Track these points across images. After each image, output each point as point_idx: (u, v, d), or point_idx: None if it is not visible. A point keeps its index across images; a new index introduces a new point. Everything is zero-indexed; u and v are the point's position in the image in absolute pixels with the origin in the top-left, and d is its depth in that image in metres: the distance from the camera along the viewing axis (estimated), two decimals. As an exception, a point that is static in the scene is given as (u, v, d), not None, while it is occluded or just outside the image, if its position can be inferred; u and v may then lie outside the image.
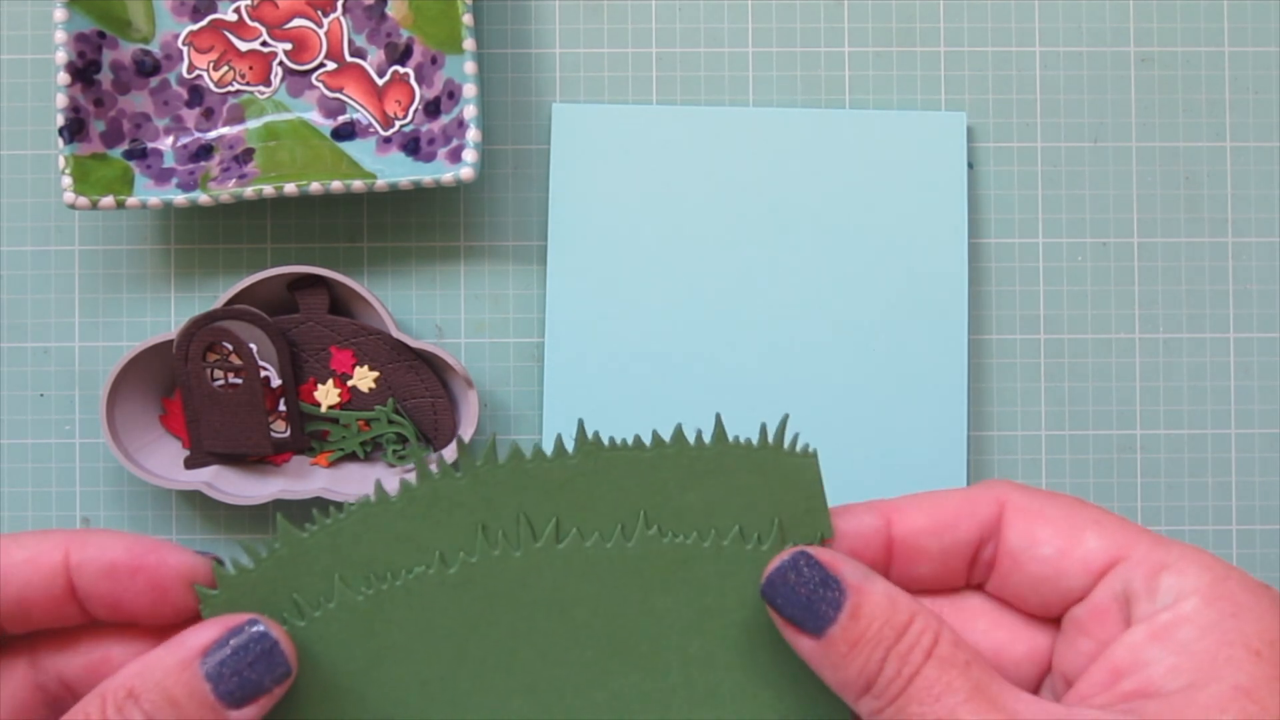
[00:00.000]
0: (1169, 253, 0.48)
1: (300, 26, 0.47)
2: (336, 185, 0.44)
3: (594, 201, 0.47)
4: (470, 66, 0.44)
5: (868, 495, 0.46)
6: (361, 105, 0.46)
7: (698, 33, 0.48)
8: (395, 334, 0.45)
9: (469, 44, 0.44)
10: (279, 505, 0.47)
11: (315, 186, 0.44)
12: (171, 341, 0.44)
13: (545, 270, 0.47)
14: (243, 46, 0.46)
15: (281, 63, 0.47)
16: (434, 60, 0.45)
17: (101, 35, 0.45)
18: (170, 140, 0.46)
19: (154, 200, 0.44)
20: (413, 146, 0.45)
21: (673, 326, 0.46)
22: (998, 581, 0.28)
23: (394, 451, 0.45)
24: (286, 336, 0.45)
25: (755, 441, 0.28)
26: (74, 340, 0.47)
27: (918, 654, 0.25)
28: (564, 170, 0.47)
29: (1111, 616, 0.26)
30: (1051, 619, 0.28)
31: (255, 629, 0.26)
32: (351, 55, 0.47)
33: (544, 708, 0.28)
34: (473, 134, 0.44)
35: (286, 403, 0.45)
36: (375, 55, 0.46)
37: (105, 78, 0.45)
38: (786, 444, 0.29)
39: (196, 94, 0.46)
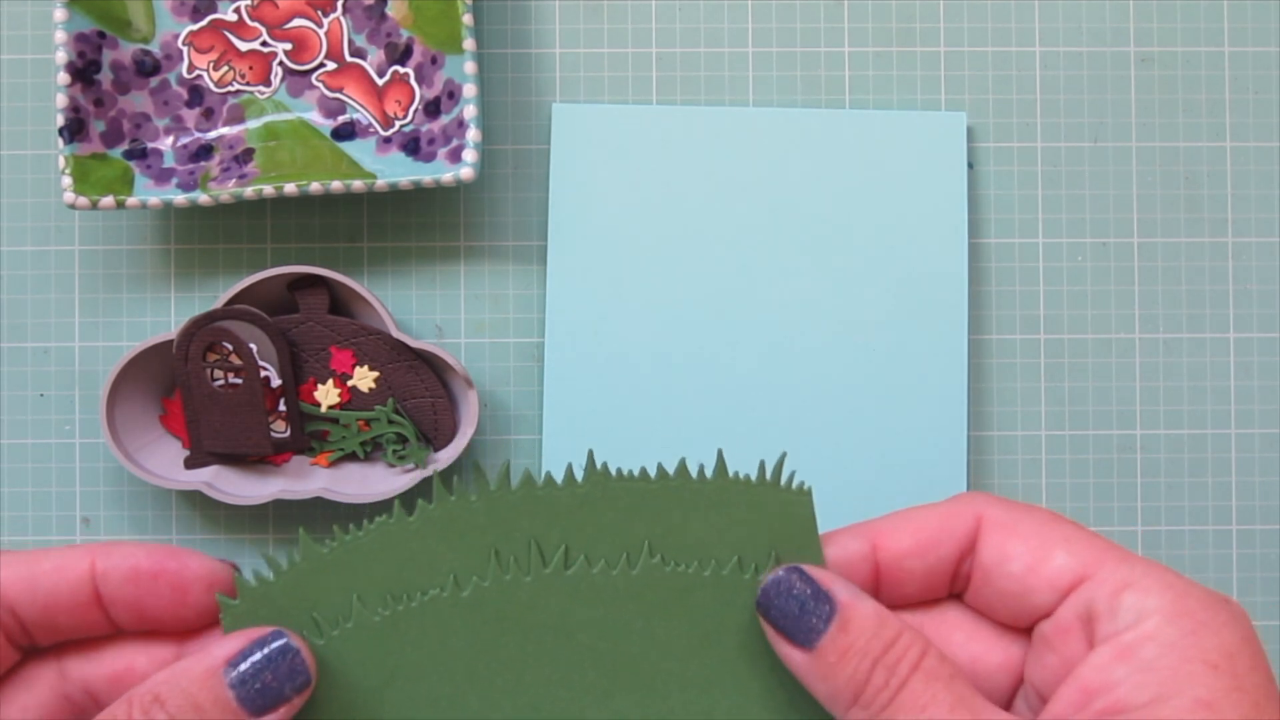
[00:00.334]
0: (1169, 253, 0.48)
1: (300, 26, 0.47)
2: (336, 185, 0.44)
3: (594, 201, 0.47)
4: (470, 66, 0.44)
5: (868, 495, 0.46)
6: (361, 105, 0.46)
7: (698, 33, 0.48)
8: (395, 334, 0.45)
9: (469, 44, 0.44)
10: (279, 505, 0.47)
11: (315, 186, 0.44)
12: (171, 341, 0.44)
13: (545, 270, 0.47)
14: (243, 46, 0.46)
15: (281, 63, 0.47)
16: (434, 60, 0.45)
17: (101, 35, 0.45)
18: (170, 140, 0.46)
19: (154, 200, 0.44)
20: (413, 146, 0.45)
21: (673, 326, 0.46)
22: (973, 594, 0.30)
23: (394, 451, 0.45)
24: (286, 336, 0.45)
25: (754, 477, 0.30)
26: (74, 340, 0.47)
27: (905, 666, 0.27)
28: (564, 170, 0.47)
29: (1075, 634, 0.27)
30: (1024, 630, 0.29)
31: (279, 640, 0.27)
32: (351, 55, 0.47)
33: None
34: (473, 134, 0.44)
35: (286, 403, 0.45)
36: (375, 55, 0.46)
37: (105, 78, 0.45)
38: (784, 481, 0.30)
39: (196, 94, 0.46)
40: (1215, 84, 0.48)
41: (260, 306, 0.45)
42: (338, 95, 0.47)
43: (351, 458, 0.46)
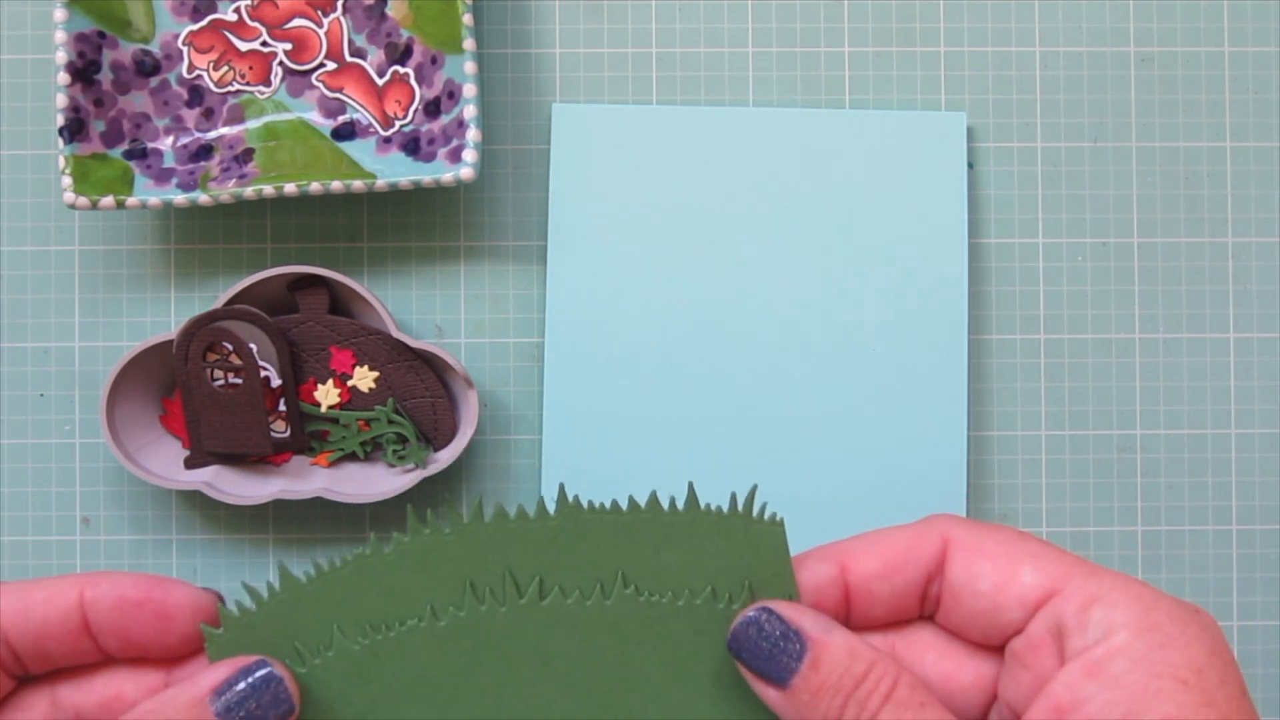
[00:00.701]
0: (1169, 253, 0.48)
1: (300, 26, 0.47)
2: (336, 185, 0.44)
3: (594, 201, 0.47)
4: (470, 66, 0.44)
5: (868, 495, 0.46)
6: (361, 105, 0.46)
7: (698, 33, 0.48)
8: (395, 334, 0.45)
9: (469, 44, 0.44)
10: (279, 505, 0.47)
11: (315, 186, 0.44)
12: (171, 341, 0.44)
13: (545, 270, 0.47)
14: (243, 46, 0.46)
15: (281, 63, 0.47)
16: (434, 60, 0.45)
17: (101, 35, 0.45)
18: (170, 140, 0.46)
19: (154, 200, 0.44)
20: (413, 146, 0.45)
21: (673, 326, 0.46)
22: (943, 615, 0.30)
23: (394, 451, 0.45)
24: (286, 336, 0.45)
25: (725, 509, 0.30)
26: (74, 340, 0.47)
27: (875, 699, 0.27)
28: (564, 170, 0.47)
29: (1046, 650, 0.28)
30: (995, 648, 0.29)
31: (263, 669, 0.28)
32: (351, 55, 0.47)
33: None
34: (473, 134, 0.44)
35: (286, 403, 0.45)
36: (375, 55, 0.46)
37: (105, 78, 0.45)
38: (755, 512, 0.30)
39: (196, 94, 0.46)
40: (1215, 84, 0.48)
41: (260, 306, 0.45)
42: (338, 95, 0.47)
43: (351, 458, 0.46)
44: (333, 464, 0.46)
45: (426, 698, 0.30)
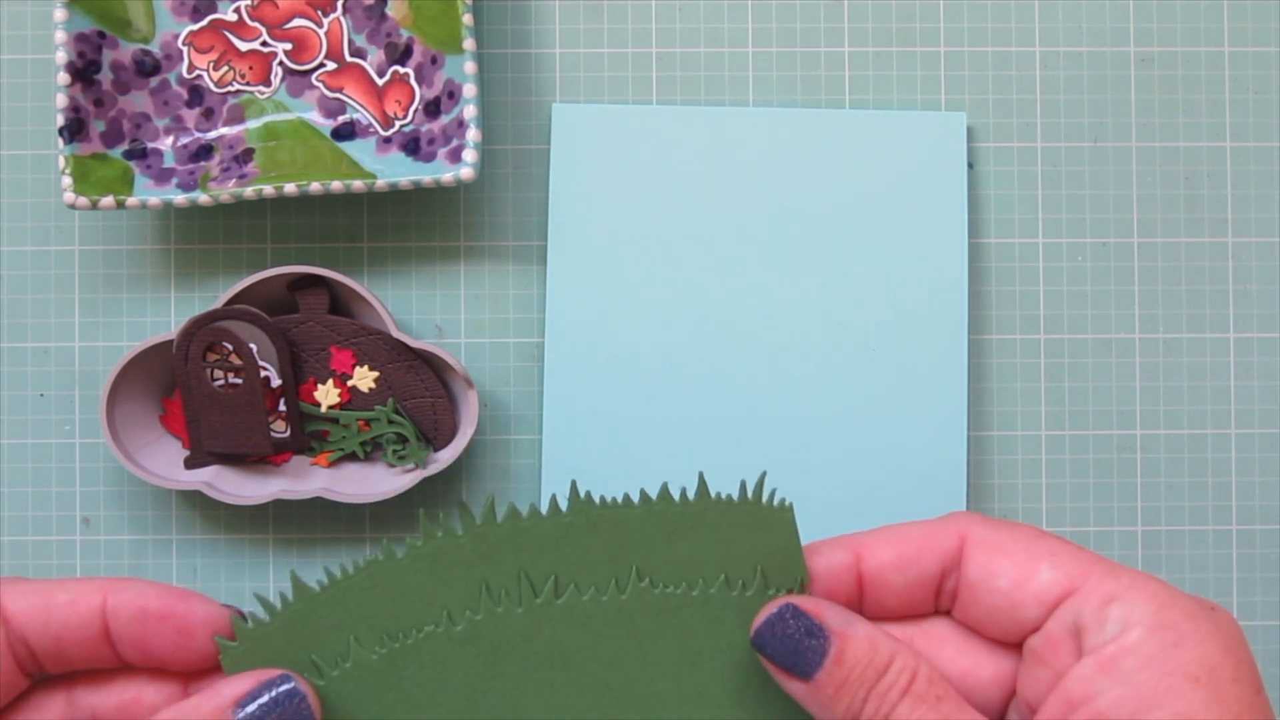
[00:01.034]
0: (1169, 253, 0.48)
1: (300, 26, 0.47)
2: (336, 185, 0.44)
3: (594, 201, 0.47)
4: (470, 66, 0.44)
5: (868, 495, 0.46)
6: (361, 105, 0.46)
7: (698, 33, 0.48)
8: (395, 334, 0.45)
9: (469, 44, 0.44)
10: (279, 505, 0.47)
11: (315, 186, 0.44)
12: (171, 341, 0.44)
13: (545, 270, 0.47)
14: (243, 46, 0.46)
15: (281, 63, 0.47)
16: (434, 60, 0.45)
17: (101, 35, 0.45)
18: (170, 140, 0.46)
19: (154, 200, 0.44)
20: (413, 146, 0.45)
21: (673, 326, 0.46)
22: (961, 611, 0.30)
23: (394, 451, 0.45)
24: (286, 336, 0.45)
25: (735, 497, 0.30)
26: (74, 340, 0.47)
27: (894, 693, 0.27)
28: (564, 170, 0.47)
29: (1065, 647, 0.28)
30: (1014, 645, 0.30)
31: (287, 684, 0.28)
32: (351, 55, 0.47)
33: None
34: (473, 134, 0.44)
35: (286, 403, 0.45)
36: (375, 55, 0.46)
37: (105, 78, 0.45)
38: (765, 499, 0.30)
39: (196, 94, 0.46)
40: (1215, 84, 0.48)
41: (260, 306, 0.45)
42: (338, 95, 0.47)
43: (351, 458, 0.46)
44: (333, 464, 0.46)
45: (446, 703, 0.30)
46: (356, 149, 0.46)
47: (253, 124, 0.46)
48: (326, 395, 0.45)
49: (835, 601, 0.30)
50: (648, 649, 0.30)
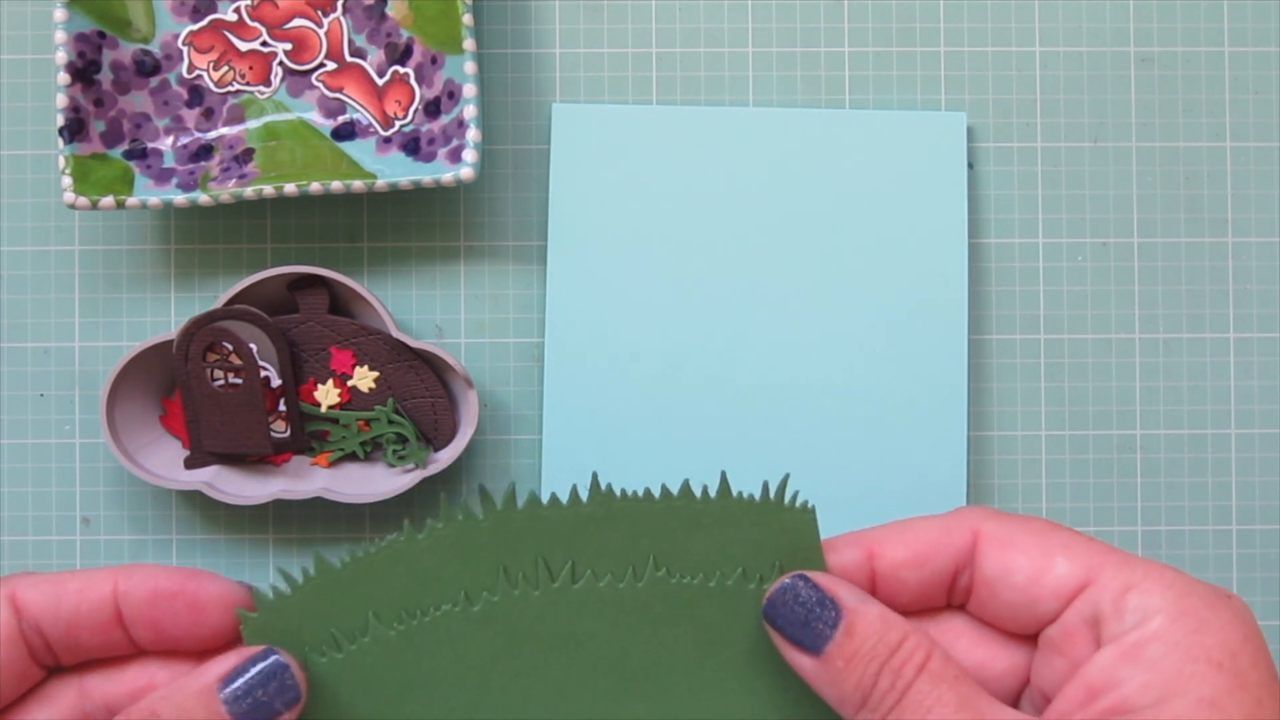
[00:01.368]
0: (1169, 253, 0.48)
1: (300, 26, 0.47)
2: (336, 185, 0.44)
3: (594, 201, 0.47)
4: (470, 66, 0.44)
5: (868, 495, 0.46)
6: (361, 105, 0.46)
7: (698, 33, 0.48)
8: (395, 334, 0.45)
9: (469, 44, 0.44)
10: (279, 505, 0.47)
11: (315, 186, 0.44)
12: (171, 341, 0.44)
13: (545, 270, 0.47)
14: (243, 46, 0.46)
15: (281, 63, 0.47)
16: (434, 60, 0.45)
17: (101, 35, 0.45)
18: (170, 140, 0.46)
19: (154, 200, 0.44)
20: (413, 146, 0.45)
21: (673, 326, 0.46)
22: (976, 605, 0.30)
23: (394, 451, 0.45)
24: (286, 336, 0.45)
25: (757, 496, 0.31)
26: (74, 340, 0.47)
27: (910, 669, 0.27)
28: (564, 170, 0.47)
29: (1082, 637, 0.28)
30: (1029, 637, 0.30)
31: (270, 658, 0.28)
32: (351, 55, 0.47)
33: None
34: (473, 134, 0.44)
35: (286, 403, 0.45)
36: (375, 55, 0.46)
37: (105, 78, 0.45)
38: (787, 500, 0.31)
39: (196, 94, 0.46)
40: (1215, 84, 0.48)
41: (260, 306, 0.45)
42: (338, 95, 0.47)
43: (351, 458, 0.46)
44: (333, 464, 0.46)
45: (462, 681, 0.30)
46: (356, 149, 0.46)
47: (253, 124, 0.46)
48: (326, 395, 0.45)
49: None
50: (662, 637, 0.30)
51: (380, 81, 0.46)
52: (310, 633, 0.30)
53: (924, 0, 0.48)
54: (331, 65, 0.47)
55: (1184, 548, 0.48)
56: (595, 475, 0.30)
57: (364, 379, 0.45)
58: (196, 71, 0.46)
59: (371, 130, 0.46)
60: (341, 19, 0.46)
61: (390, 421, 0.45)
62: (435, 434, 0.46)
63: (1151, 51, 0.48)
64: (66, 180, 0.44)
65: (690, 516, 0.30)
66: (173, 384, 0.46)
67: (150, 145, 0.46)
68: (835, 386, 0.46)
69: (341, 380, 0.46)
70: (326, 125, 0.46)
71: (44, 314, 0.47)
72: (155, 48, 0.46)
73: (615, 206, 0.47)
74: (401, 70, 0.46)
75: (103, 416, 0.44)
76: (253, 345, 0.45)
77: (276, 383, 0.45)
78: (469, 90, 0.44)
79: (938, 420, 0.46)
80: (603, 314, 0.46)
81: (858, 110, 0.48)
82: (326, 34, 0.47)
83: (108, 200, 0.44)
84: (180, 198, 0.44)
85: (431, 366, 0.46)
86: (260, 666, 0.28)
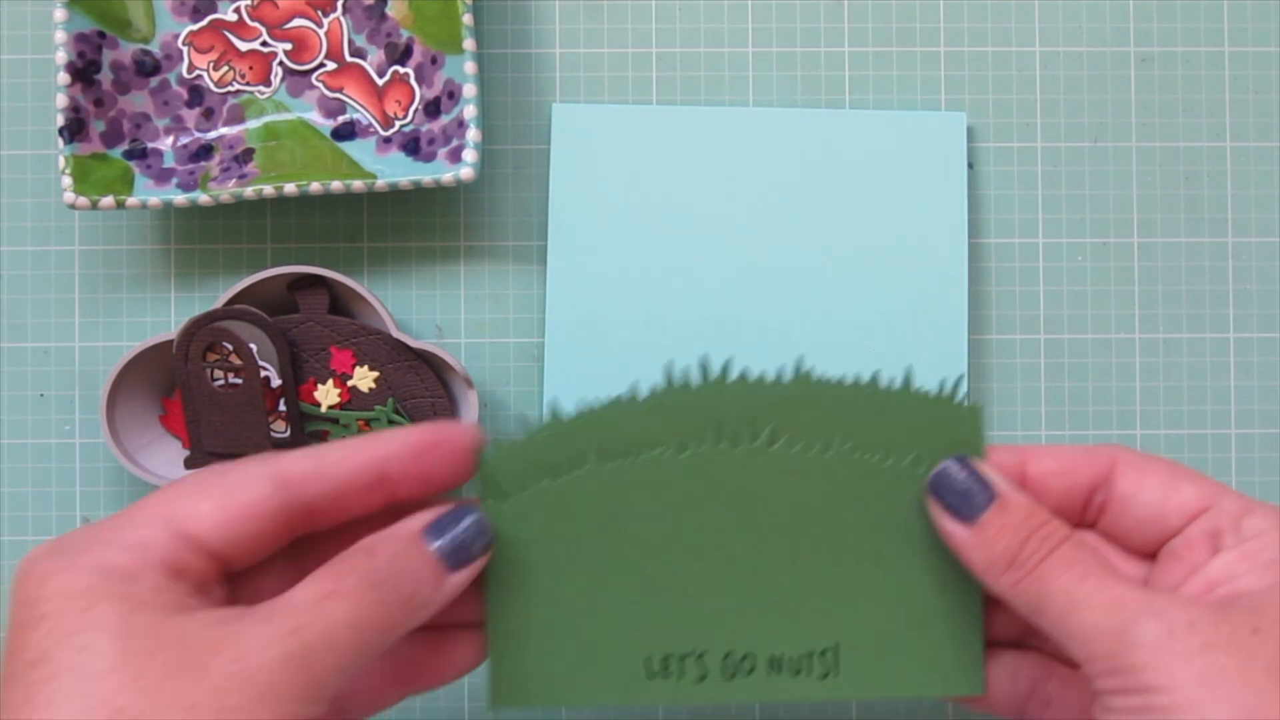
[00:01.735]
0: (1169, 253, 0.48)
1: (300, 26, 0.47)
2: (336, 185, 0.44)
3: (594, 201, 0.47)
4: (470, 66, 0.44)
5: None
6: (361, 105, 0.46)
7: (698, 33, 0.48)
8: (395, 334, 0.45)
9: (469, 44, 0.44)
10: (279, 505, 0.47)
11: (315, 186, 0.44)
12: (171, 341, 0.44)
13: (545, 270, 0.47)
14: (243, 46, 0.47)
15: (281, 63, 0.47)
16: (434, 60, 0.45)
17: (101, 35, 0.45)
18: (170, 140, 0.46)
19: (154, 200, 0.44)
20: (413, 146, 0.45)
21: (673, 326, 0.46)
22: (1108, 521, 0.34)
23: (394, 451, 0.45)
24: (286, 336, 0.45)
25: (933, 393, 0.34)
26: (74, 340, 0.47)
27: (1056, 537, 0.31)
28: (564, 170, 0.47)
29: (1201, 547, 0.32)
30: (1149, 555, 0.33)
31: (470, 511, 0.32)
32: (351, 55, 0.47)
33: (740, 577, 0.34)
34: (473, 134, 0.44)
35: (286, 403, 0.45)
36: (375, 55, 0.46)
37: (105, 78, 0.45)
38: (959, 399, 0.34)
39: (196, 94, 0.46)
40: (1215, 84, 0.48)
41: (260, 306, 0.45)
42: (338, 95, 0.47)
43: (351, 458, 0.46)
44: (333, 464, 0.46)
45: (661, 520, 0.34)
46: (356, 149, 0.46)
47: (253, 124, 0.46)
48: (326, 395, 0.45)
49: None
50: (840, 504, 0.34)
51: (380, 81, 0.46)
52: (537, 469, 0.33)
53: (924, 0, 0.48)
54: (331, 65, 0.47)
55: (1184, 548, 0.48)
56: (800, 358, 0.34)
57: (364, 379, 0.45)
58: (196, 71, 0.46)
59: (371, 130, 0.46)
60: (341, 19, 0.46)
61: (390, 421, 0.45)
62: (435, 434, 0.46)
63: (1151, 51, 0.48)
64: (66, 180, 0.44)
65: (876, 402, 0.34)
66: (173, 384, 0.46)
67: (150, 145, 0.46)
68: (835, 386, 0.46)
69: (341, 380, 0.46)
70: (326, 125, 0.46)
71: (44, 314, 0.47)
72: (155, 48, 0.46)
73: (615, 206, 0.47)
74: (401, 70, 0.46)
75: (103, 416, 0.44)
76: (253, 345, 0.45)
77: (276, 383, 0.45)
78: (469, 90, 0.44)
79: (938, 420, 0.46)
80: (603, 314, 0.46)
81: (858, 110, 0.48)
82: (326, 34, 0.47)
83: (108, 200, 0.44)
84: (180, 198, 0.44)
85: (431, 366, 0.46)
86: (459, 516, 0.32)
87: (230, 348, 0.44)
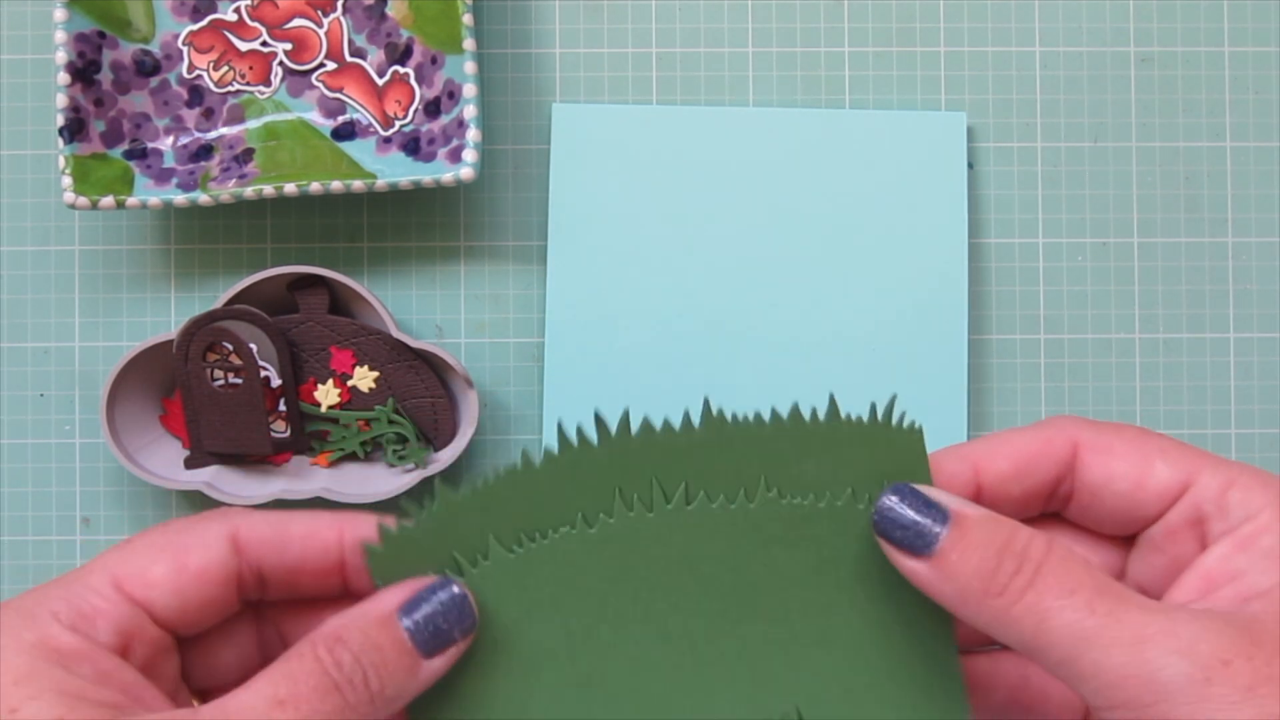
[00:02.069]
0: (1169, 253, 0.48)
1: (300, 26, 0.47)
2: (336, 185, 0.44)
3: (594, 201, 0.47)
4: (470, 66, 0.44)
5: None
6: (361, 105, 0.46)
7: (698, 33, 0.48)
8: (395, 334, 0.45)
9: (469, 44, 0.44)
10: (279, 505, 0.47)
11: (315, 186, 0.44)
12: (171, 341, 0.44)
13: (545, 270, 0.47)
14: (243, 46, 0.46)
15: (281, 63, 0.47)
16: (434, 60, 0.45)
17: (101, 35, 0.45)
18: (170, 140, 0.46)
19: (154, 200, 0.44)
20: (413, 146, 0.45)
21: (672, 326, 0.46)
22: (1076, 510, 0.31)
23: (394, 451, 0.45)
24: (286, 336, 0.45)
25: (865, 418, 0.31)
26: (74, 340, 0.47)
27: (1036, 551, 0.27)
28: (564, 170, 0.47)
29: (1184, 535, 0.29)
30: (1123, 539, 0.31)
31: (449, 587, 0.29)
32: (351, 55, 0.47)
33: (679, 654, 0.31)
34: (473, 134, 0.44)
35: (286, 403, 0.45)
36: (375, 55, 0.46)
37: (105, 78, 0.45)
38: (894, 421, 0.31)
39: (196, 94, 0.46)
40: (1215, 84, 0.48)
41: (260, 306, 0.45)
42: (338, 95, 0.47)
43: (351, 458, 0.46)
44: (333, 464, 0.46)
45: (579, 602, 0.31)
46: (356, 149, 0.46)
47: (253, 124, 0.46)
48: (326, 395, 0.45)
49: None
50: (775, 557, 0.31)
51: (380, 81, 0.46)
52: (435, 560, 0.30)
53: (924, 0, 0.48)
54: (331, 65, 0.47)
55: (1184, 548, 0.48)
56: (706, 400, 0.31)
57: (364, 379, 0.45)
58: (196, 71, 0.46)
59: (371, 130, 0.46)
60: (341, 19, 0.46)
61: (390, 421, 0.45)
62: (435, 434, 0.46)
63: (1151, 51, 0.48)
64: (66, 180, 0.44)
65: (800, 438, 0.31)
66: (173, 384, 0.46)
67: (150, 145, 0.46)
68: (835, 386, 0.46)
69: (341, 380, 0.46)
70: (326, 125, 0.46)
71: (44, 314, 0.47)
72: (155, 48, 0.46)
73: (615, 206, 0.47)
74: (401, 70, 0.46)
75: (103, 416, 0.44)
76: (253, 345, 0.45)
77: (276, 383, 0.45)
78: (469, 90, 0.44)
79: (938, 420, 0.46)
80: (603, 314, 0.46)
81: (858, 110, 0.48)
82: (326, 34, 0.47)
83: (108, 200, 0.44)
84: (180, 198, 0.44)
85: (431, 366, 0.46)
86: (439, 595, 0.29)
87: (230, 348, 0.44)
